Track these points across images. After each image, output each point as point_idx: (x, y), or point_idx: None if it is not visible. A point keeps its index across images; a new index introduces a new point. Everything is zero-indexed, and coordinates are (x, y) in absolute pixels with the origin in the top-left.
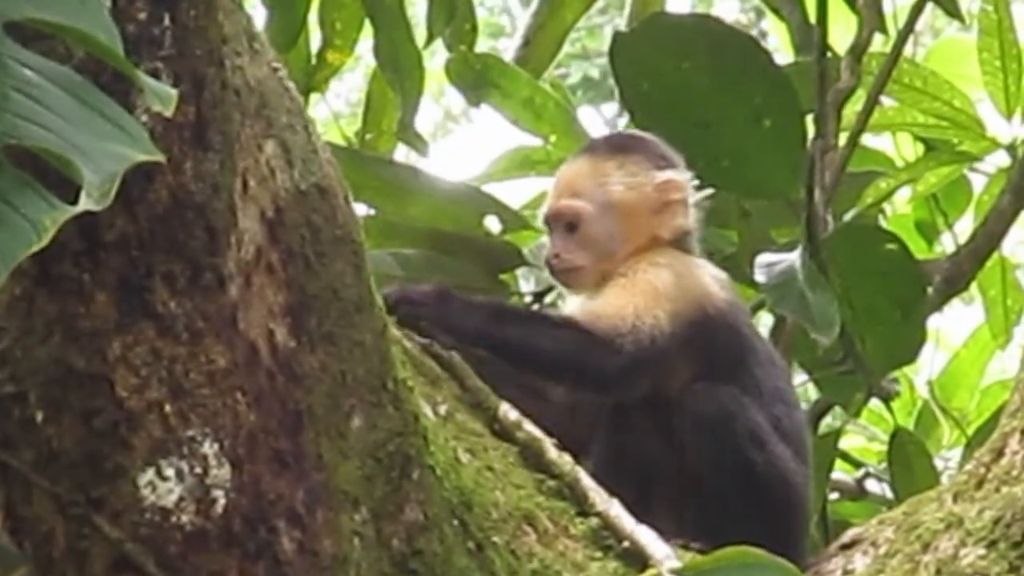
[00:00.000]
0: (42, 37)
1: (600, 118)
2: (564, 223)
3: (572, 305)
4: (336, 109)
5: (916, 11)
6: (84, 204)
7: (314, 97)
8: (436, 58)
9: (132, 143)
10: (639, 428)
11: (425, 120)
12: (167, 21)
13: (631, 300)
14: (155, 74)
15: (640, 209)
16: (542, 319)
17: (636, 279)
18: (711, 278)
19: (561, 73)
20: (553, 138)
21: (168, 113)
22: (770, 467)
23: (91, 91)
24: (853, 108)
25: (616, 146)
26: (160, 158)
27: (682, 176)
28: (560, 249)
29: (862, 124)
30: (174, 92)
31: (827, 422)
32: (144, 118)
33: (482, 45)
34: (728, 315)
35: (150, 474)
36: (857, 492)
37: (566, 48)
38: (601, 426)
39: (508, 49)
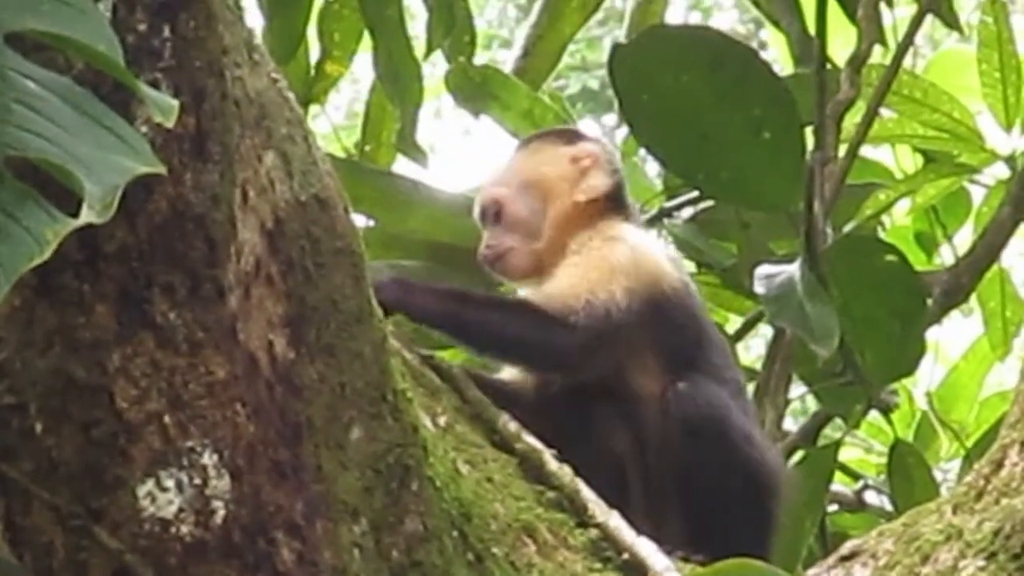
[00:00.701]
0: (42, 48)
1: (599, 129)
2: (491, 216)
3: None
4: (335, 120)
5: (916, 23)
6: (86, 216)
7: (313, 109)
8: (436, 69)
9: (133, 154)
10: (610, 429)
11: (425, 131)
12: (167, 32)
13: (584, 276)
14: (155, 85)
15: (555, 181)
16: (500, 302)
17: (589, 256)
18: (664, 256)
19: (560, 85)
20: None
21: (169, 124)
22: (762, 464)
23: (92, 102)
24: (852, 120)
25: (532, 137)
26: (161, 170)
27: (593, 144)
28: (488, 238)
29: (861, 136)
30: (175, 103)
31: (826, 433)
32: (144, 129)
33: (482, 57)
34: (683, 294)
35: (149, 485)
36: (856, 504)
37: (565, 60)
38: (572, 428)
39: (508, 61)
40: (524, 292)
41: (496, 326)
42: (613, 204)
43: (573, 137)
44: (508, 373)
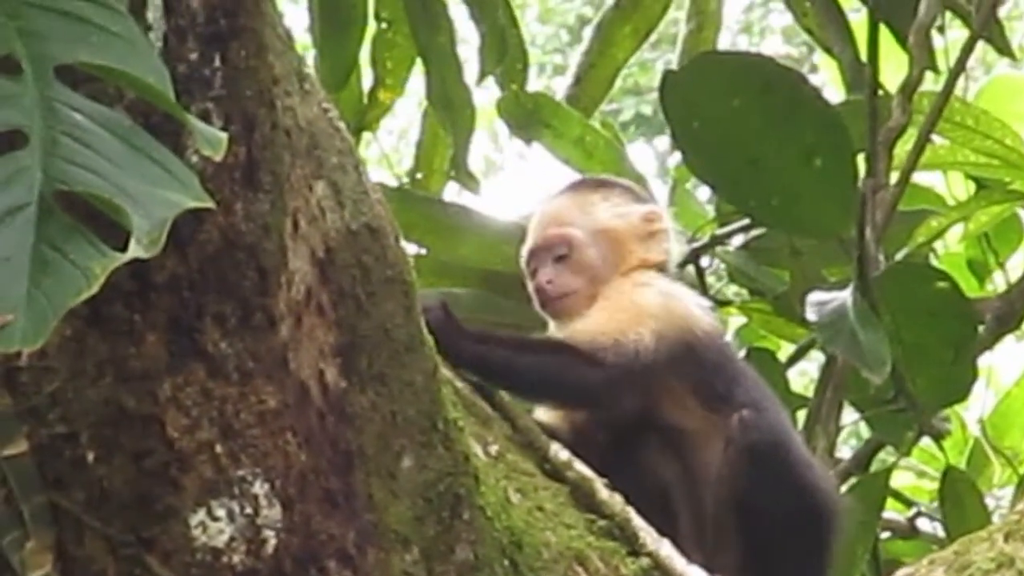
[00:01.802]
0: (92, 79)
1: (652, 153)
2: (553, 254)
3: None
4: (388, 143)
5: (967, 50)
6: (133, 251)
7: (366, 135)
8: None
9: (182, 188)
10: (653, 462)
11: (477, 157)
12: (218, 62)
13: (613, 316)
14: (206, 114)
15: (628, 236)
16: (528, 341)
17: (620, 298)
18: (695, 303)
19: (613, 109)
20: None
21: (217, 157)
22: (824, 492)
23: (141, 135)
24: (904, 147)
25: (596, 183)
26: (210, 204)
27: (663, 209)
28: (552, 276)
29: (913, 162)
30: (224, 136)
31: (882, 457)
32: (195, 159)
33: (535, 84)
34: (715, 337)
35: (201, 514)
36: (909, 531)
37: (618, 84)
38: (613, 463)
39: (561, 88)
40: (552, 328)
41: (527, 366)
42: (663, 267)
43: (640, 194)
44: (544, 413)
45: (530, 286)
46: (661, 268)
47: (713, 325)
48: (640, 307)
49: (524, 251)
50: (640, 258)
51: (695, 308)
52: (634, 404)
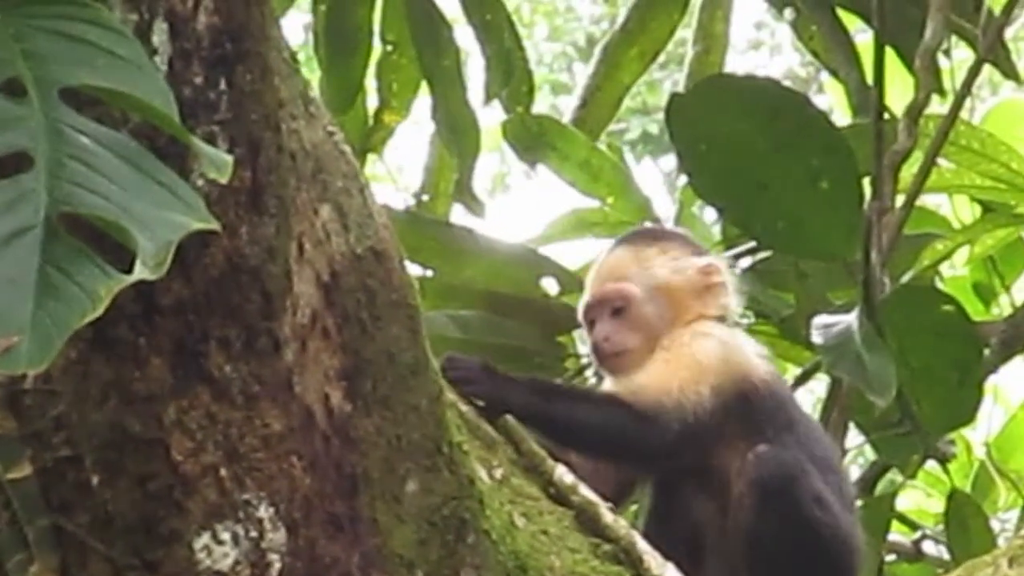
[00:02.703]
0: (97, 102)
1: (659, 172)
2: (610, 308)
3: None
4: (393, 161)
5: (973, 73)
6: (139, 273)
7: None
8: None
9: (187, 210)
10: (689, 493)
11: (483, 177)
12: (223, 85)
13: (675, 374)
14: (211, 138)
15: (686, 291)
16: (585, 395)
17: (680, 352)
18: (753, 351)
19: (620, 128)
20: (610, 200)
21: (223, 180)
22: (835, 530)
23: (146, 157)
24: (910, 170)
25: (653, 235)
26: (215, 226)
27: (721, 261)
28: (610, 332)
29: (919, 186)
30: (229, 159)
31: (885, 481)
32: (200, 182)
33: (542, 101)
34: (773, 385)
35: (205, 538)
36: (914, 554)
37: (625, 103)
38: (647, 490)
39: (567, 108)
40: (608, 382)
41: (584, 422)
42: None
43: (697, 246)
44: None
45: (587, 339)
46: (720, 319)
47: (771, 372)
48: (699, 362)
49: (581, 304)
50: (698, 313)
51: (753, 357)
52: (691, 459)
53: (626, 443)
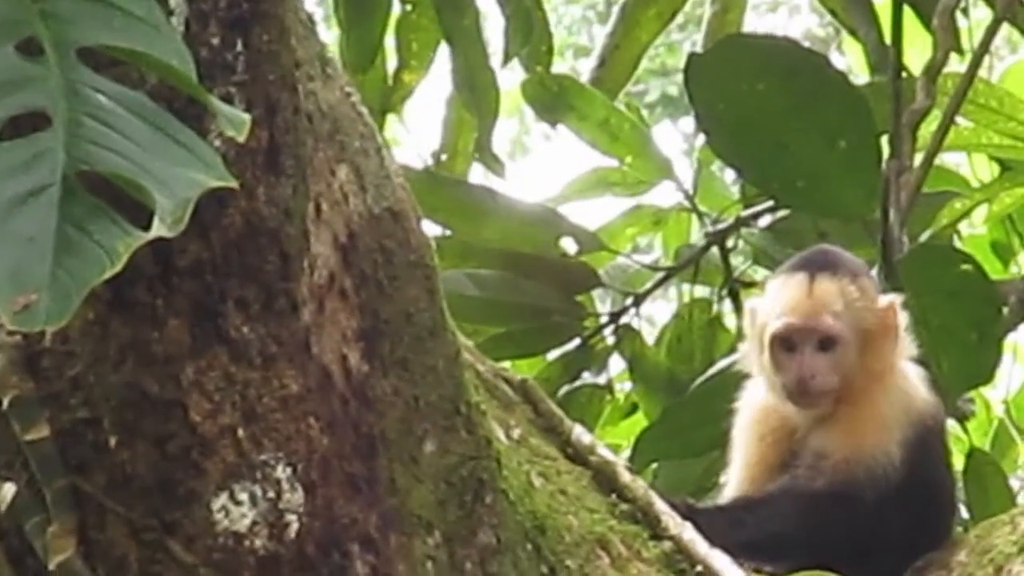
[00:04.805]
0: (116, 63)
1: (678, 134)
2: (818, 340)
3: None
4: (412, 121)
5: (991, 32)
6: (157, 230)
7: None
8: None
9: (205, 169)
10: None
11: (503, 139)
12: (240, 46)
13: (864, 433)
14: (228, 99)
15: (878, 338)
16: (779, 504)
17: (867, 413)
18: (925, 389)
19: (639, 90)
20: (629, 159)
21: (241, 138)
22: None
23: (164, 117)
24: (928, 128)
25: (852, 271)
26: (233, 184)
27: (898, 299)
28: (818, 370)
29: (937, 144)
30: (247, 117)
31: None
32: (217, 143)
33: (561, 65)
34: (938, 420)
35: (223, 499)
36: None
37: (644, 64)
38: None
39: (586, 70)
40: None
41: (792, 536)
42: None
43: (875, 279)
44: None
45: (782, 363)
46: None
47: (937, 407)
48: (887, 422)
49: (781, 323)
50: (890, 361)
51: (926, 395)
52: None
53: (839, 537)
